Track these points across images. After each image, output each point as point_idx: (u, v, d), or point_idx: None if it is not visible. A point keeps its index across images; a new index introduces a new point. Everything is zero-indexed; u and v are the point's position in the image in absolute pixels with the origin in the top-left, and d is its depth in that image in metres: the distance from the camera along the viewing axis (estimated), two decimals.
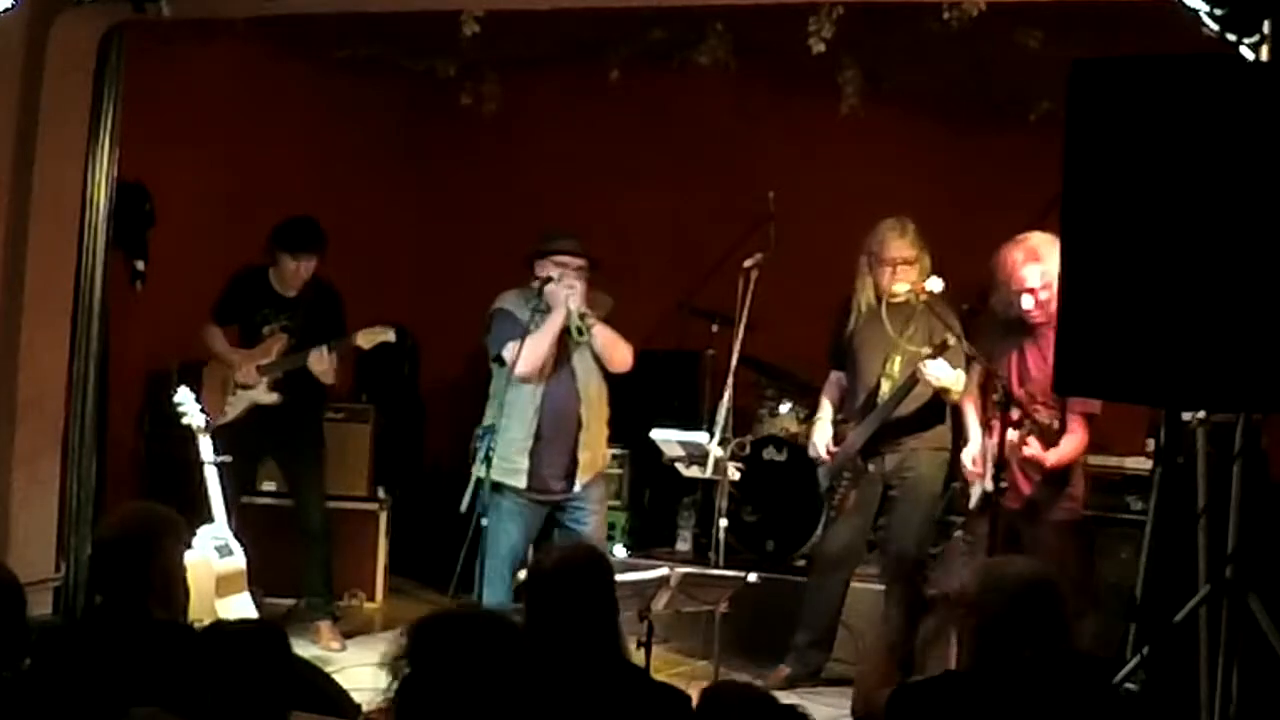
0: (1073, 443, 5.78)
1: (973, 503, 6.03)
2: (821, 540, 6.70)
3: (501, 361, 6.20)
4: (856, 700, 4.11)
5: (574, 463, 6.25)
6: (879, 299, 6.28)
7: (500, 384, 6.24)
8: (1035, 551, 5.69)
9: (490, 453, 6.08)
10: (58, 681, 3.48)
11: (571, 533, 6.24)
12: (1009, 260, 5.78)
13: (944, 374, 5.98)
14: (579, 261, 6.19)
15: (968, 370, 6.08)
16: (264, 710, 3.18)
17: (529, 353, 6.12)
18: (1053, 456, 5.73)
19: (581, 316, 6.15)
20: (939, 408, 6.30)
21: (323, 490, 7.02)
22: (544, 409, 6.20)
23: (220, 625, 3.51)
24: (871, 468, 6.36)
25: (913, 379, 6.11)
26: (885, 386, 6.27)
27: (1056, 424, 5.76)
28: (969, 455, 6.01)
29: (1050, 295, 5.55)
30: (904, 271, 6.18)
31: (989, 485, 5.81)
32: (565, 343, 6.21)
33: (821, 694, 6.32)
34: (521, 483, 6.18)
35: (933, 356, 5.95)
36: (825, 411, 6.54)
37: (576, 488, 6.25)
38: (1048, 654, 3.39)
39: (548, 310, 6.15)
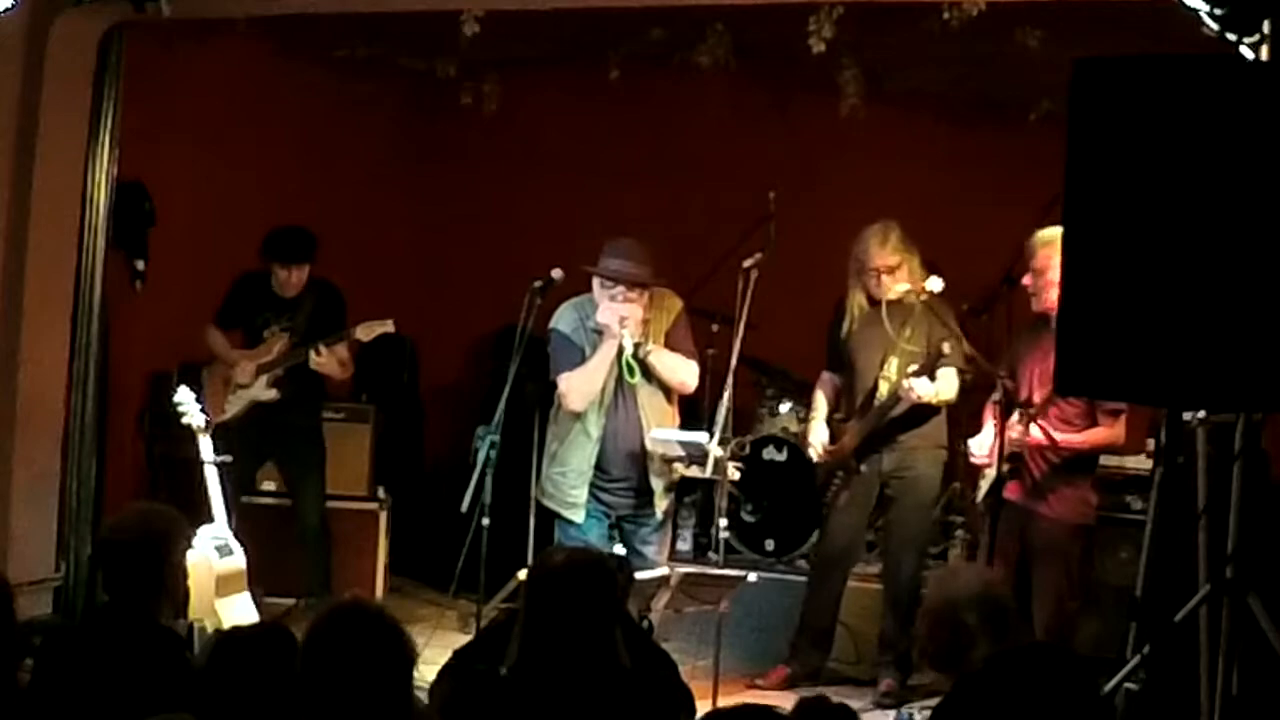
0: (1093, 434, 5.74)
1: (980, 495, 6.02)
2: (819, 540, 6.70)
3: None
4: None
5: (646, 492, 6.01)
6: (873, 301, 6.30)
7: (558, 410, 6.04)
8: (1042, 548, 5.70)
9: (544, 480, 6.01)
10: (63, 683, 3.48)
11: (634, 552, 5.94)
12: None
13: (925, 390, 6.01)
14: (620, 286, 5.78)
15: (968, 369, 6.08)
16: (276, 714, 3.19)
17: (578, 389, 5.88)
18: (1063, 438, 5.71)
19: (637, 346, 5.83)
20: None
21: (321, 491, 7.02)
22: (605, 441, 5.94)
23: (234, 632, 3.50)
24: (865, 468, 6.35)
25: (895, 397, 6.12)
26: (883, 388, 6.26)
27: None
28: (977, 442, 6.01)
29: (1039, 286, 5.64)
30: (889, 278, 6.19)
31: (1000, 469, 5.80)
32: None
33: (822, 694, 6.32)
34: (579, 517, 5.94)
35: (918, 374, 5.97)
36: (820, 410, 6.53)
37: (658, 515, 6.05)
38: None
39: (601, 334, 5.86)
